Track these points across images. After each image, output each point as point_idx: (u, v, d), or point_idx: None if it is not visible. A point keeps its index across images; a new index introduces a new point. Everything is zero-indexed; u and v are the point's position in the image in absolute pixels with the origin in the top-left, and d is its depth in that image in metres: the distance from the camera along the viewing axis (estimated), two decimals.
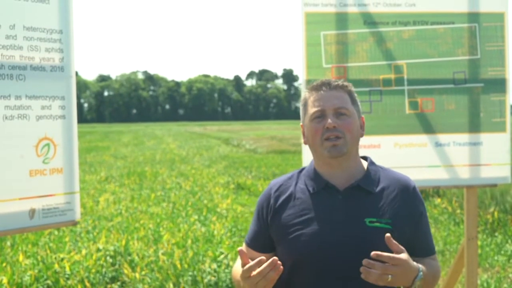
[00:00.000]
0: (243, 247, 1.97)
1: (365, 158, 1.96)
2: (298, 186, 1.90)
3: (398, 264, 1.63)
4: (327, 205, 1.82)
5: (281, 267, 1.65)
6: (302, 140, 1.96)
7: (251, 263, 1.66)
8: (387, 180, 1.88)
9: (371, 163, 1.93)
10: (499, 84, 3.59)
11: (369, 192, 1.83)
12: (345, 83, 1.89)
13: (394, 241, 1.67)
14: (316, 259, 1.78)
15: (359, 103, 1.92)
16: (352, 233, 1.77)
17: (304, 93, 1.94)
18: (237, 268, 1.84)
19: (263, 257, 1.68)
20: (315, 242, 1.78)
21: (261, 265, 1.65)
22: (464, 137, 3.56)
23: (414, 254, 1.82)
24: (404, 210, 1.83)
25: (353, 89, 1.91)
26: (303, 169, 1.97)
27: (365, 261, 1.63)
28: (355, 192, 1.83)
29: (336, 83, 1.88)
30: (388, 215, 1.80)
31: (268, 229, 1.90)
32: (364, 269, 1.63)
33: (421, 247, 1.88)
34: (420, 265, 1.73)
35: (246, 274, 1.67)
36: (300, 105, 1.97)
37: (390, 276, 1.62)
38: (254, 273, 1.65)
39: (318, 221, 1.80)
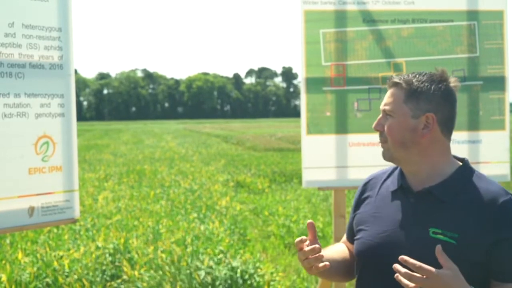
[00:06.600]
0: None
1: (461, 160, 1.76)
2: (386, 182, 1.83)
3: (428, 277, 1.47)
4: (399, 206, 1.73)
5: (327, 263, 1.63)
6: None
7: (302, 237, 1.67)
8: (473, 191, 1.65)
9: (464, 167, 1.71)
10: (498, 82, 3.59)
11: (442, 200, 1.65)
12: (404, 78, 1.70)
13: (443, 255, 1.49)
14: (373, 259, 1.74)
15: (423, 99, 1.66)
16: (412, 240, 1.65)
17: None
18: None
19: (308, 238, 1.68)
20: (376, 242, 1.73)
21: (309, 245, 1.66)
22: (463, 135, 3.56)
23: (489, 276, 1.61)
24: (480, 228, 1.59)
25: (416, 83, 1.67)
26: None
27: (394, 267, 1.52)
28: (427, 197, 1.68)
29: (393, 79, 1.72)
30: (457, 229, 1.60)
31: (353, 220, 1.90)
32: (396, 276, 1.51)
33: (499, 270, 1.60)
34: None
35: (297, 246, 1.68)
36: None
37: None
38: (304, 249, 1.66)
39: (386, 221, 1.74)
